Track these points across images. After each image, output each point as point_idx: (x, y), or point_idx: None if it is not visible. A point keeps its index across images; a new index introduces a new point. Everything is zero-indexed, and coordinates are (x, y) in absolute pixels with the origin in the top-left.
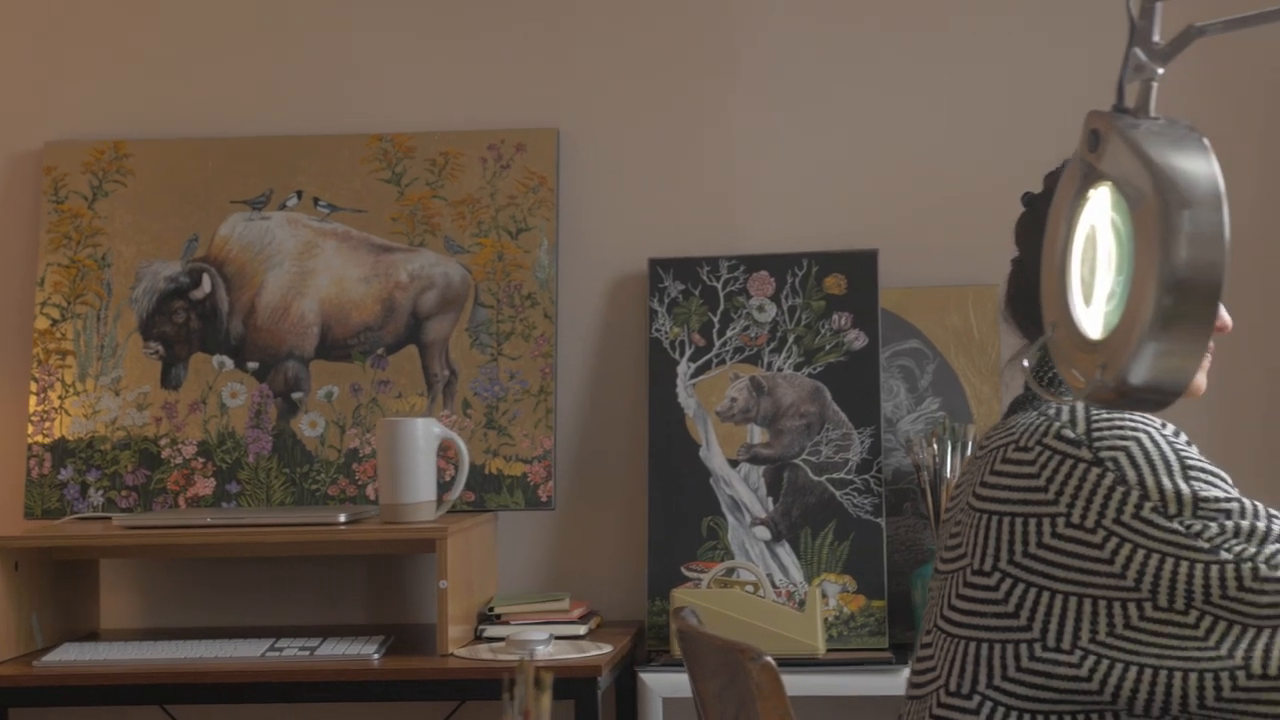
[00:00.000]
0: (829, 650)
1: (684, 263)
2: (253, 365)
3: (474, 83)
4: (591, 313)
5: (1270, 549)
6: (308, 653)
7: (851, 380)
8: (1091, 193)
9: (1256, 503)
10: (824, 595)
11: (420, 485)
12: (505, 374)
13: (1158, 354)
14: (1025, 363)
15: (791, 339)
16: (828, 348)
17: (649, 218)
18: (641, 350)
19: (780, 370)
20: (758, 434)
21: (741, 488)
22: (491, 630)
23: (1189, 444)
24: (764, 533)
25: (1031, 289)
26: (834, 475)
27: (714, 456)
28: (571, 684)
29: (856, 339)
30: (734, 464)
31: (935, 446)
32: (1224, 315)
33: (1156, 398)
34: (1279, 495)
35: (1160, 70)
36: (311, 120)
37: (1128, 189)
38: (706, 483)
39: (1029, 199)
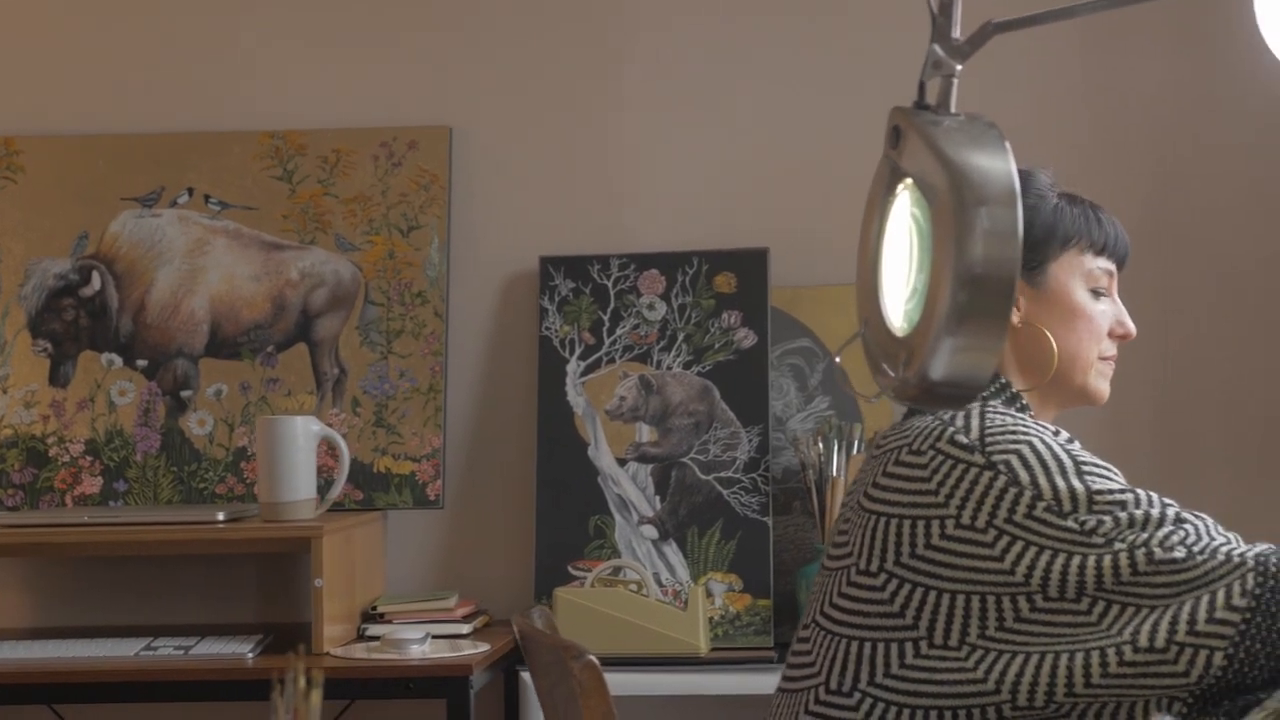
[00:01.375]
0: (713, 649)
1: (575, 261)
2: (142, 363)
3: (366, 80)
4: (482, 311)
5: (1164, 531)
6: (182, 652)
7: (741, 379)
8: (899, 189)
9: (1151, 492)
10: (710, 594)
11: (300, 483)
12: (395, 372)
13: (954, 349)
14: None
15: (681, 337)
16: (717, 346)
17: (540, 216)
18: (532, 348)
19: (669, 369)
20: (646, 432)
21: (629, 486)
22: (374, 629)
23: (1080, 448)
24: (651, 531)
25: None
26: (721, 474)
27: (602, 455)
28: (444, 683)
29: (746, 338)
30: (622, 463)
31: (820, 445)
32: (1128, 322)
33: (957, 393)
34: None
35: (959, 66)
36: (203, 117)
37: (925, 186)
38: (595, 481)
39: None
